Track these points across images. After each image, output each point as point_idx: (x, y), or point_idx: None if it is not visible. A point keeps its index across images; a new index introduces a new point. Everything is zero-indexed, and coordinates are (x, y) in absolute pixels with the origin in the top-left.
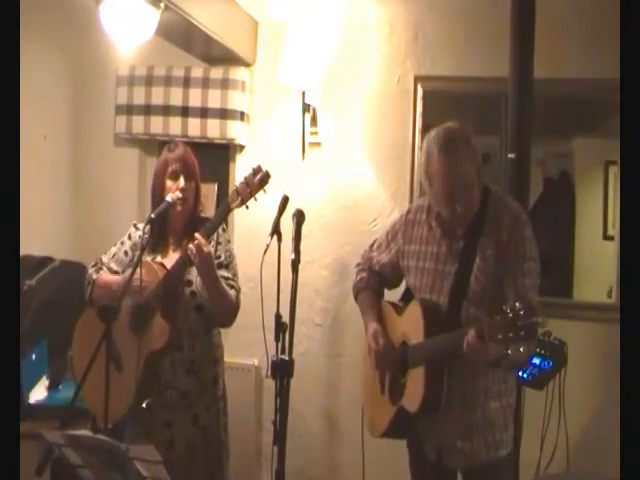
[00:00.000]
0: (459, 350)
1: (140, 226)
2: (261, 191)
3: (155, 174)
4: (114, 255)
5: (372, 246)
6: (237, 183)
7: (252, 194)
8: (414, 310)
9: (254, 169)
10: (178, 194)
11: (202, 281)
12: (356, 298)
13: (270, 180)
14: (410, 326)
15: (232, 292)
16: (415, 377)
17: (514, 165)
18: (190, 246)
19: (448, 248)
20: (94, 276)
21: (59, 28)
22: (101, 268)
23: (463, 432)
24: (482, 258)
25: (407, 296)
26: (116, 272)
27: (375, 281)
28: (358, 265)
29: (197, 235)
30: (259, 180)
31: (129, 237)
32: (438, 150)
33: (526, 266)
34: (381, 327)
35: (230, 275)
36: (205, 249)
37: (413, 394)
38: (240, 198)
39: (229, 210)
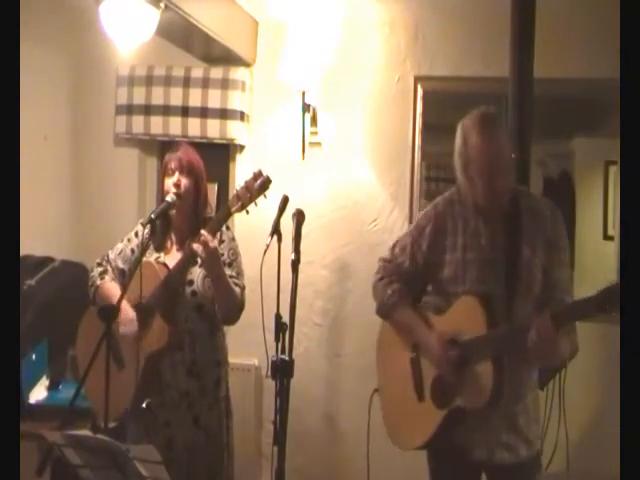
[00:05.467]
0: (524, 340)
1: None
2: (261, 196)
3: (157, 178)
4: (121, 252)
5: (393, 252)
6: (237, 187)
7: (252, 199)
8: (467, 304)
9: (255, 174)
10: (173, 190)
11: (209, 277)
12: (387, 315)
13: (271, 185)
14: (462, 322)
15: (237, 290)
16: (478, 372)
17: (514, 165)
18: (195, 244)
19: (490, 238)
20: (98, 282)
21: (59, 28)
22: (106, 271)
23: (510, 426)
24: (529, 248)
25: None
26: (122, 270)
27: (408, 292)
28: (382, 279)
29: (203, 232)
30: (259, 185)
31: (136, 235)
32: (477, 127)
33: (564, 258)
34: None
35: (234, 273)
36: (211, 244)
37: (476, 390)
38: (240, 203)
39: (229, 214)
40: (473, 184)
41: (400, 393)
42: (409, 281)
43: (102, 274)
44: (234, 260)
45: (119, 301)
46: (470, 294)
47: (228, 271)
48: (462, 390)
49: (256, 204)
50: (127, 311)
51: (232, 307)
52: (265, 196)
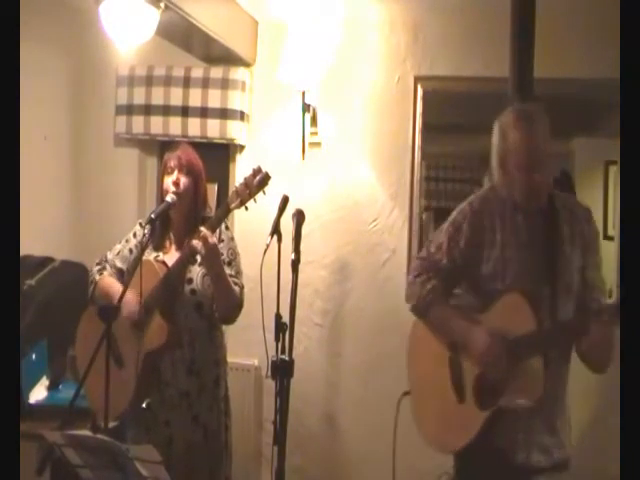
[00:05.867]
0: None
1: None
2: (260, 192)
3: (157, 178)
4: (119, 252)
5: (429, 249)
6: (237, 184)
7: (251, 195)
8: (513, 301)
9: (254, 170)
10: (172, 188)
11: (208, 274)
12: (424, 313)
13: (270, 182)
14: (509, 319)
15: (236, 289)
16: (528, 370)
17: None
18: (194, 241)
19: (529, 235)
20: (97, 277)
21: (59, 28)
22: (105, 268)
23: (548, 428)
24: (569, 248)
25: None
26: (120, 270)
27: (445, 289)
28: (419, 276)
29: (202, 228)
30: (258, 181)
31: (134, 235)
32: (516, 122)
33: (598, 260)
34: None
35: (233, 272)
36: (211, 241)
37: (527, 389)
38: (239, 199)
39: (228, 211)
40: (511, 179)
41: (437, 394)
42: (446, 278)
43: (100, 271)
44: (233, 259)
45: (119, 300)
46: (515, 291)
47: (227, 270)
48: (509, 390)
49: (255, 200)
50: (130, 297)
51: (231, 306)
52: (264, 192)
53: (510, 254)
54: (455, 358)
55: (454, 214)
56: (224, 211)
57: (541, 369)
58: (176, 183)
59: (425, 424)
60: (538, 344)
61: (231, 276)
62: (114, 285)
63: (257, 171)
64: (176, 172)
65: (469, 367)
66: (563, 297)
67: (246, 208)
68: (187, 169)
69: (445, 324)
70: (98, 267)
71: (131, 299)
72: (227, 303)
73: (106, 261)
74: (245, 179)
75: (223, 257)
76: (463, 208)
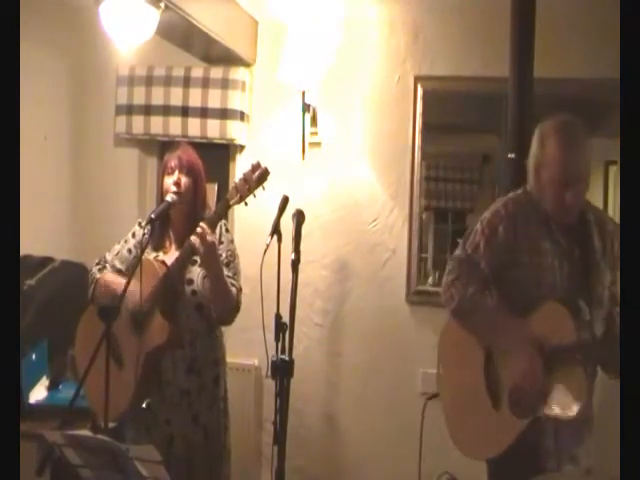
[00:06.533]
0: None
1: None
2: (260, 188)
3: (157, 177)
4: (118, 253)
5: (465, 250)
6: (236, 179)
7: (251, 191)
8: (554, 310)
9: (253, 165)
10: (173, 188)
11: (206, 272)
12: (467, 316)
13: (269, 176)
14: (549, 328)
15: (233, 290)
16: (569, 380)
17: (514, 165)
18: (193, 237)
19: (565, 244)
20: (97, 275)
21: (59, 28)
22: (104, 267)
23: (579, 437)
24: (602, 262)
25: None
26: (119, 270)
27: (484, 292)
28: (458, 278)
29: (201, 224)
30: (257, 177)
31: (133, 235)
32: (558, 134)
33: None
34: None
35: (231, 274)
36: (209, 238)
37: (568, 399)
38: (239, 195)
39: (228, 207)
40: (543, 192)
41: (471, 398)
42: (483, 280)
43: (101, 270)
44: (232, 261)
45: (119, 300)
46: (556, 301)
47: (225, 271)
48: (549, 399)
49: (255, 196)
50: (132, 288)
51: (228, 307)
52: (263, 188)
53: (545, 261)
54: (491, 363)
55: (487, 215)
56: (224, 207)
57: (584, 379)
58: (177, 183)
59: (456, 428)
60: (578, 355)
61: (229, 277)
62: (116, 279)
63: (256, 166)
64: (177, 172)
65: (505, 373)
66: (596, 310)
67: (246, 204)
68: (187, 169)
69: (486, 328)
70: (98, 267)
71: (135, 291)
72: (224, 304)
73: (105, 262)
74: (244, 175)
75: (222, 258)
76: (498, 210)
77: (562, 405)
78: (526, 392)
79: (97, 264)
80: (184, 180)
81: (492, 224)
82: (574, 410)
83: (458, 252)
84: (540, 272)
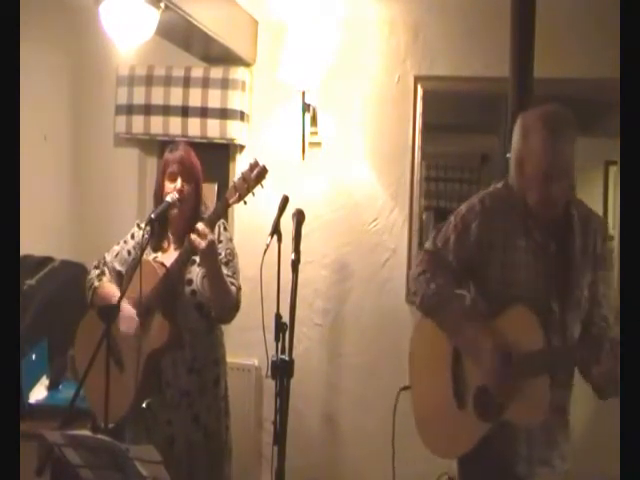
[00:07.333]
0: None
1: (143, 226)
2: (259, 186)
3: (157, 174)
4: (117, 254)
5: (435, 244)
6: (235, 179)
7: (249, 189)
8: (521, 314)
9: (251, 164)
10: (175, 195)
11: (205, 271)
12: (429, 312)
13: (267, 174)
14: (516, 333)
15: (232, 289)
16: (533, 387)
17: None
18: (192, 235)
19: (541, 242)
20: (96, 283)
21: (59, 28)
22: (103, 273)
23: (551, 442)
24: (581, 260)
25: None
26: (119, 272)
27: (451, 288)
28: (424, 272)
29: (200, 224)
30: (256, 175)
31: (132, 236)
32: (542, 125)
33: (610, 276)
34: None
35: (230, 273)
36: (209, 237)
37: (531, 406)
38: (238, 194)
39: (227, 205)
40: (526, 185)
41: (437, 396)
42: (451, 276)
43: (99, 276)
44: (231, 260)
45: (119, 300)
46: (522, 304)
47: (224, 270)
48: (513, 404)
49: (253, 194)
50: (127, 309)
51: (227, 306)
52: (262, 186)
53: (519, 259)
54: (458, 361)
55: (463, 209)
56: (223, 206)
57: (547, 387)
58: (181, 191)
59: (423, 425)
60: (545, 365)
61: (228, 276)
62: (116, 294)
63: (254, 165)
64: (179, 180)
65: (471, 374)
66: (572, 312)
67: (245, 203)
68: (189, 175)
69: (451, 326)
70: (97, 272)
71: (128, 313)
72: (223, 303)
73: (104, 264)
74: (242, 173)
75: (221, 257)
76: (473, 205)
77: (523, 412)
78: (489, 396)
79: (96, 267)
80: (187, 187)
81: (465, 220)
82: (536, 418)
83: (428, 245)
84: (514, 271)
